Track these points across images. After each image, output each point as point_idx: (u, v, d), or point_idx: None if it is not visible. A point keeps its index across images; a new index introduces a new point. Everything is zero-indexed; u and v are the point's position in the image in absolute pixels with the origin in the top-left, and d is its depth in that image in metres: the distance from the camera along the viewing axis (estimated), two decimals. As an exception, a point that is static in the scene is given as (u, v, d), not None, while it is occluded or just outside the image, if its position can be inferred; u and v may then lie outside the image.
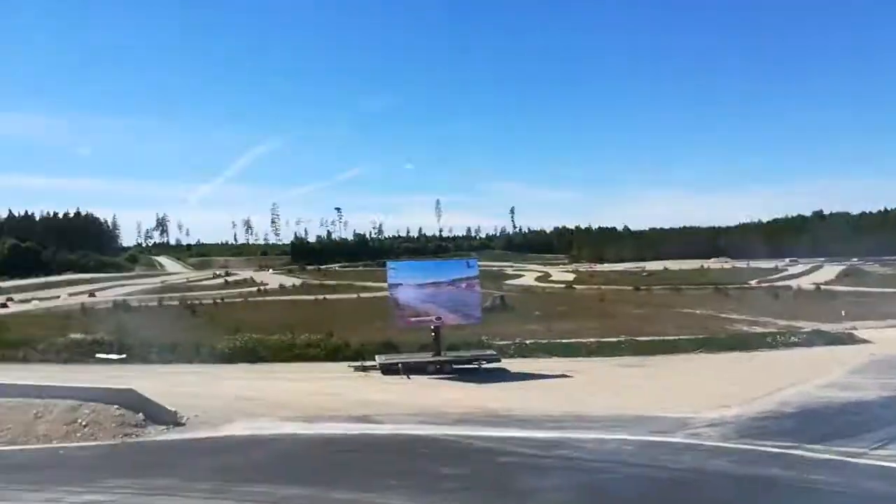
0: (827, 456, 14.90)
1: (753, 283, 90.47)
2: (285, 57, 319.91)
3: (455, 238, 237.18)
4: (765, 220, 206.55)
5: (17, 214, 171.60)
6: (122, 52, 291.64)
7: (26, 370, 28.06)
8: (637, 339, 37.74)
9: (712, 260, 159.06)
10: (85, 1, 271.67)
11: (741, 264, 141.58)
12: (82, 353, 31.63)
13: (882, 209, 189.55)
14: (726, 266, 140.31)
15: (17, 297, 75.81)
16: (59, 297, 77.30)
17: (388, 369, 29.48)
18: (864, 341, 37.95)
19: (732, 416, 19.79)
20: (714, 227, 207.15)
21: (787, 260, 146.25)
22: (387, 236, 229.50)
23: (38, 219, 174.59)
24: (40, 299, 72.90)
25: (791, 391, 23.98)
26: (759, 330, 43.59)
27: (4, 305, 64.67)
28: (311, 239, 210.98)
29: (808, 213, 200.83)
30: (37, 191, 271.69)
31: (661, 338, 38.36)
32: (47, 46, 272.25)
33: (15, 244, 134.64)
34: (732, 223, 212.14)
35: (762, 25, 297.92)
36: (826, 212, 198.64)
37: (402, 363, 29.70)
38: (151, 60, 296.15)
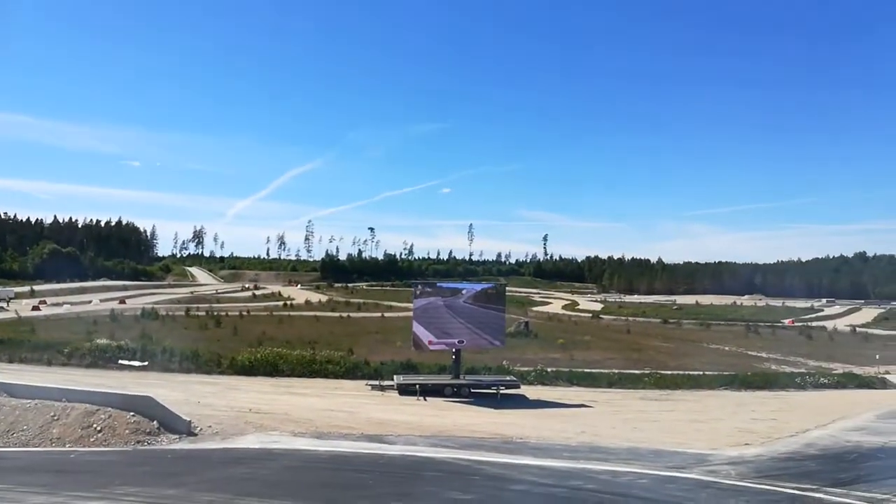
0: (848, 500, 14.33)
1: (786, 321, 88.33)
2: (327, 79, 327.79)
3: (485, 262, 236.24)
4: (804, 259, 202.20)
5: (61, 221, 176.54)
6: (172, 70, 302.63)
7: (49, 373, 28.72)
8: (661, 372, 37.16)
9: (746, 297, 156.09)
10: (137, 20, 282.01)
11: (776, 303, 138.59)
12: (106, 359, 32.22)
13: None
14: (760, 304, 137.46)
15: (50, 300, 77.74)
16: (90, 302, 78.97)
17: (405, 389, 29.39)
18: (897, 386, 36.89)
19: (753, 455, 19.23)
20: (750, 264, 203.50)
21: (824, 300, 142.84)
22: (417, 257, 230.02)
23: (80, 226, 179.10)
24: (72, 304, 74.53)
25: (816, 433, 23.27)
26: (788, 370, 42.51)
27: (37, 308, 66.30)
28: (342, 257, 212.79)
29: (849, 254, 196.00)
30: (84, 199, 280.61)
31: (686, 372, 37.66)
32: (102, 63, 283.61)
33: (55, 249, 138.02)
34: (770, 261, 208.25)
35: (803, 60, 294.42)
36: (869, 254, 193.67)
37: (419, 384, 29.60)
38: (199, 79, 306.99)
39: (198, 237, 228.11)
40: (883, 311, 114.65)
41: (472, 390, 29.76)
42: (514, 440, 20.61)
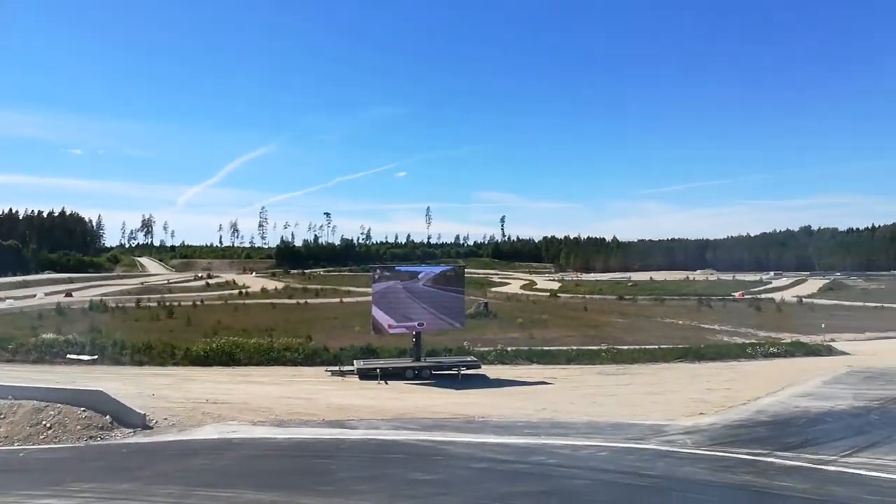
0: (798, 463, 14.98)
1: (737, 294, 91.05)
2: (279, 63, 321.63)
3: (443, 245, 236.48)
4: (752, 233, 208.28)
5: (0, 212, 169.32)
6: (115, 55, 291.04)
7: (-6, 370, 27.63)
8: (617, 347, 37.91)
9: (698, 272, 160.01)
10: (79, 4, 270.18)
11: (726, 277, 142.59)
12: (53, 354, 31.13)
13: (870, 226, 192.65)
14: (711, 278, 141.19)
15: (-8, 296, 74.76)
16: (35, 296, 76.17)
17: (365, 374, 29.29)
18: (843, 353, 38.43)
19: (707, 424, 19.85)
20: (701, 240, 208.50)
21: (772, 273, 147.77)
22: (374, 242, 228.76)
23: (21, 217, 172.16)
24: (15, 298, 71.76)
25: (766, 400, 24.14)
26: (739, 341, 43.87)
27: (-22, 304, 63.68)
28: (298, 243, 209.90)
29: (795, 228, 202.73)
30: (25, 189, 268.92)
31: (642, 347, 38.52)
32: (40, 48, 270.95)
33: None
34: (721, 236, 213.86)
35: (754, 38, 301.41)
36: (814, 227, 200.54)
37: (379, 368, 29.52)
38: (144, 64, 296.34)
39: (147, 226, 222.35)
40: (827, 281, 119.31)
41: (434, 372, 29.83)
42: (475, 419, 20.78)
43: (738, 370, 32.73)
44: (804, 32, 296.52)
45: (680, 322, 57.49)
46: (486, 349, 35.67)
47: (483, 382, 28.85)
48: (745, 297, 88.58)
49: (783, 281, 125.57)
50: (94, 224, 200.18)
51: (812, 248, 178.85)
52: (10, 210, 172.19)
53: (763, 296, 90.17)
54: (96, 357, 31.24)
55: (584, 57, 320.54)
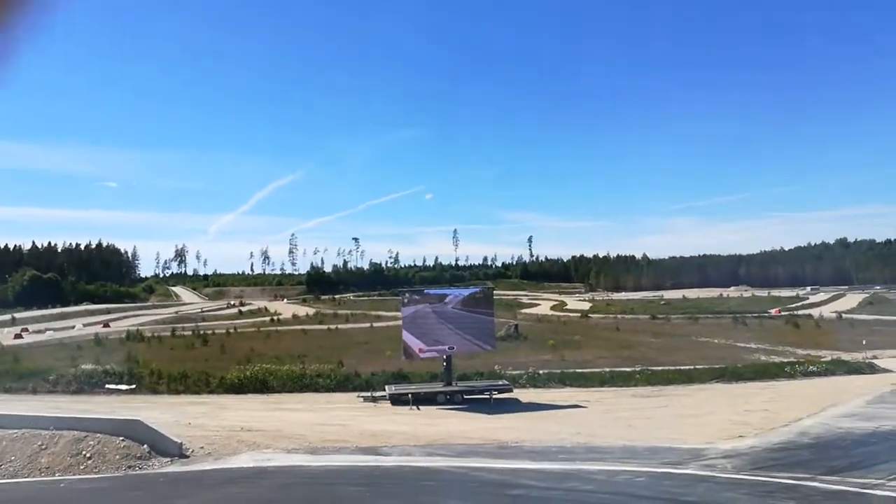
0: (843, 487, 14.50)
1: (773, 311, 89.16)
2: (304, 90, 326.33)
3: (471, 267, 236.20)
4: (787, 248, 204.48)
5: (40, 246, 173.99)
6: (146, 87, 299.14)
7: (35, 401, 28.30)
8: (652, 368, 37.33)
9: (732, 289, 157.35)
10: (108, 37, 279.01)
11: (761, 293, 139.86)
12: (92, 384, 31.79)
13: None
14: (746, 294, 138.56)
15: (32, 327, 76.61)
16: (73, 327, 77.87)
17: (397, 399, 29.30)
18: (885, 371, 37.29)
19: (747, 447, 19.39)
20: (734, 256, 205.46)
21: (809, 288, 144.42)
22: (403, 265, 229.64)
23: (60, 250, 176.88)
24: (55, 330, 73.50)
25: (808, 422, 23.50)
26: (777, 359, 42.87)
27: (19, 336, 65.24)
28: (328, 269, 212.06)
29: (831, 241, 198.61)
30: (62, 223, 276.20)
31: (677, 367, 37.84)
32: (74, 81, 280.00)
33: (35, 275, 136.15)
34: (754, 251, 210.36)
35: (780, 57, 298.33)
36: (850, 239, 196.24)
37: (411, 393, 29.53)
38: (173, 95, 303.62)
39: (180, 256, 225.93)
40: (867, 295, 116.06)
41: (465, 396, 29.73)
42: (509, 445, 20.62)
43: (778, 390, 31.97)
44: (834, 34, 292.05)
45: (715, 341, 56.42)
46: (518, 372, 35.42)
47: (515, 406, 28.64)
48: (782, 313, 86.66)
49: (821, 296, 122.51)
50: (130, 255, 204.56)
51: (849, 260, 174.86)
52: (49, 243, 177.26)
53: (800, 312, 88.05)
54: (134, 386, 31.80)
55: (607, 69, 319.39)
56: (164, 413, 24.97)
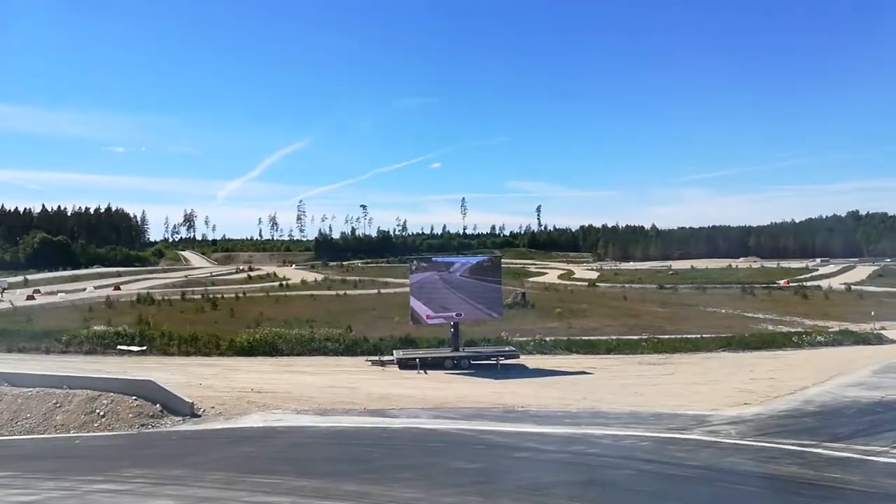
0: (847, 454, 14.63)
1: (781, 282, 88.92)
2: (314, 56, 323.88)
3: (479, 235, 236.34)
4: (798, 219, 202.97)
5: (49, 209, 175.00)
6: (157, 52, 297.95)
7: (49, 361, 28.77)
8: (659, 336, 37.49)
9: (741, 260, 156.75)
10: (120, 2, 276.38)
11: (770, 264, 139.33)
12: (104, 345, 32.21)
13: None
14: (755, 266, 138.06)
15: (44, 289, 77.58)
16: (84, 289, 78.81)
17: (405, 364, 29.58)
18: (893, 342, 37.32)
19: (752, 414, 19.52)
20: (744, 227, 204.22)
21: (819, 260, 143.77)
22: (410, 233, 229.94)
23: (69, 214, 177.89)
24: (67, 292, 74.38)
25: (814, 390, 23.59)
26: (784, 329, 42.90)
27: (32, 298, 66.14)
28: (336, 235, 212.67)
29: (842, 213, 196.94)
30: (71, 186, 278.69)
31: (684, 336, 37.98)
32: (83, 46, 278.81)
33: (45, 238, 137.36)
34: (764, 223, 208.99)
35: (794, 27, 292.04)
36: (862, 212, 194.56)
37: (419, 358, 29.79)
38: (185, 60, 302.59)
39: (189, 221, 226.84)
40: (876, 268, 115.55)
41: (472, 362, 29.96)
42: (515, 409, 20.83)
43: (784, 359, 32.05)
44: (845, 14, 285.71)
45: (723, 311, 56.47)
46: (525, 339, 35.64)
47: (522, 372, 28.87)
48: (791, 284, 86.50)
49: (830, 268, 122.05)
50: (139, 219, 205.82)
51: (860, 233, 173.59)
52: (59, 207, 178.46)
53: (809, 283, 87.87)
54: (145, 348, 32.22)
55: (617, 39, 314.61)
56: (174, 374, 25.34)
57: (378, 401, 21.73)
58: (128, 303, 61.01)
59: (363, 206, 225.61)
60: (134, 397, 19.09)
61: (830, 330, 40.08)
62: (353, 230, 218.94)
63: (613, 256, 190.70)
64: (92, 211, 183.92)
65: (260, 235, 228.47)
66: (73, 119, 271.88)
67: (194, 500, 11.25)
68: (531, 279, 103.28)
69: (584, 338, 37.13)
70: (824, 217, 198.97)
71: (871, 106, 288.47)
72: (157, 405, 19.15)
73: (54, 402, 18.57)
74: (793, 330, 41.80)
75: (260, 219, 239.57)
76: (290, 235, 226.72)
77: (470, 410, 20.41)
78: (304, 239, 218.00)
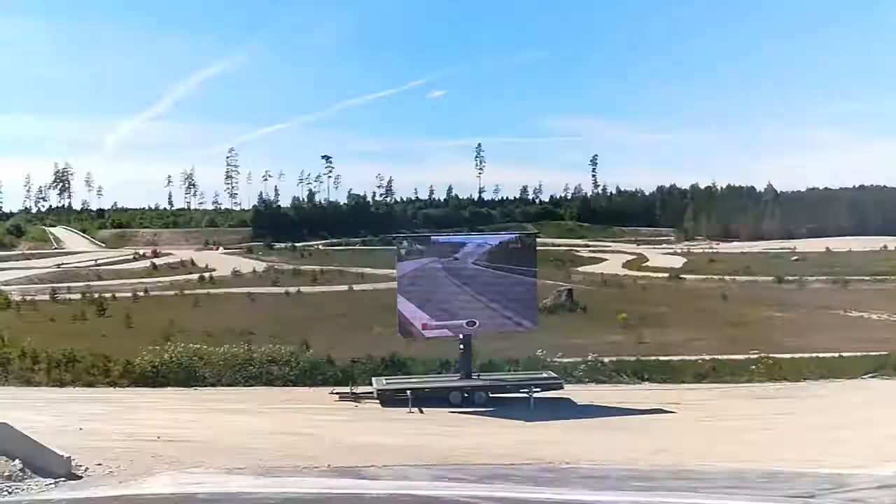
0: None
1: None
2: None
3: (503, 202, 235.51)
4: None
5: None
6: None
7: None
8: (775, 357, 37.46)
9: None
10: None
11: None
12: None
13: None
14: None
15: None
16: None
17: (389, 398, 29.73)
18: None
19: (915, 475, 19.59)
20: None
21: None
22: (399, 199, 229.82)
23: None
24: None
25: None
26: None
27: None
28: (285, 203, 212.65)
29: None
30: None
31: (813, 355, 38.00)
32: None
33: None
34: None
35: None
36: None
37: (410, 389, 29.91)
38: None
39: (62, 181, 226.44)
40: None
41: (492, 395, 30.16)
42: (557, 465, 20.94)
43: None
44: None
45: (874, 317, 56.45)
46: (572, 360, 35.77)
47: (568, 411, 29.07)
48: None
49: None
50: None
51: None
52: None
53: None
54: (-3, 375, 32.42)
55: None
56: (42, 413, 25.50)
57: (349, 454, 21.84)
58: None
59: (326, 158, 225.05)
60: (-20, 450, 19.19)
61: None
62: (312, 194, 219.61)
63: (708, 234, 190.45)
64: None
65: (170, 203, 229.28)
66: None
67: None
68: (582, 268, 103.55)
69: (661, 358, 37.32)
70: None
71: None
72: (16, 461, 19.19)
73: None
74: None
75: (169, 177, 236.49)
76: (215, 203, 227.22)
77: (488, 468, 20.52)
78: (237, 209, 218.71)
